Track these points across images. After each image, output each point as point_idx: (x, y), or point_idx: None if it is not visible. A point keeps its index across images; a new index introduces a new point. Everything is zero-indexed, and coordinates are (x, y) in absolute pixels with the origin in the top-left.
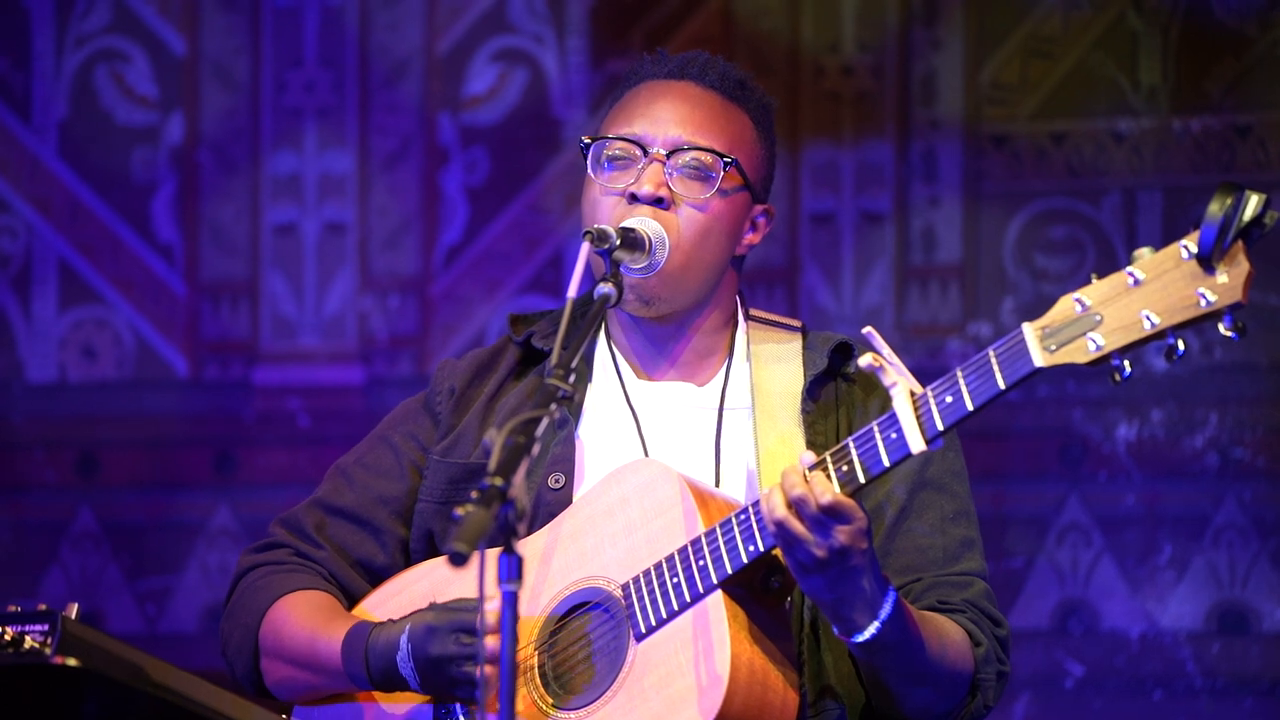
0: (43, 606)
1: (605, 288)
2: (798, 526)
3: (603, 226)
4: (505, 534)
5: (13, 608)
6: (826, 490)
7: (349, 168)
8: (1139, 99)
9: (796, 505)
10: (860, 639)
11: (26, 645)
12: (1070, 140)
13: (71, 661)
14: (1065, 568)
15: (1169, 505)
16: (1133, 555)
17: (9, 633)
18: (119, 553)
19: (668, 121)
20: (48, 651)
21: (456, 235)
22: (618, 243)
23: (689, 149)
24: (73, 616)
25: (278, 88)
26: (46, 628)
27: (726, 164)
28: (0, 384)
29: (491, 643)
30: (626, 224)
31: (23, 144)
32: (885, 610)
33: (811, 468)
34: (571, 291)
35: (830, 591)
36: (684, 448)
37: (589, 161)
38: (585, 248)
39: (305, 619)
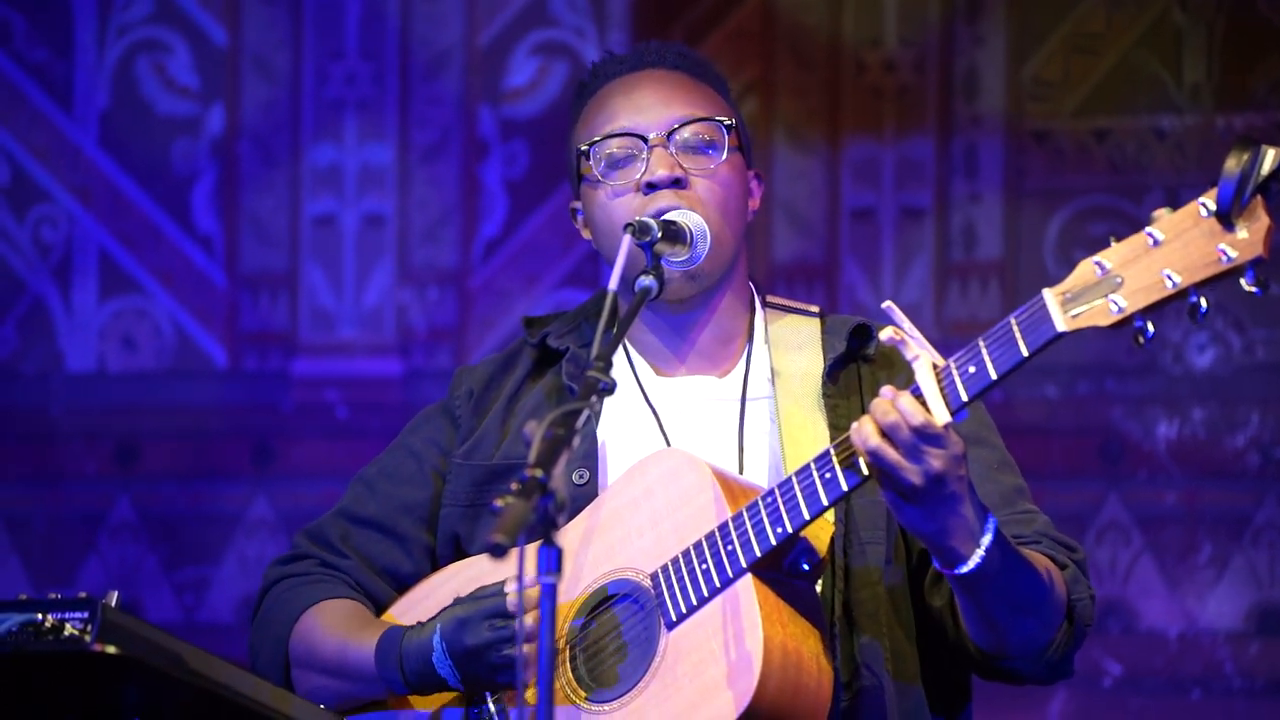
0: (83, 594)
1: (646, 280)
2: (892, 454)
3: (644, 219)
4: (545, 526)
5: (53, 595)
6: (917, 412)
7: (389, 160)
8: (1182, 96)
9: (889, 432)
10: (964, 570)
11: (66, 632)
12: (1113, 137)
13: (111, 649)
14: (1104, 566)
15: (1209, 505)
16: (1172, 554)
17: (49, 620)
18: (157, 543)
19: (653, 106)
20: (87, 639)
21: (496, 228)
22: (659, 235)
23: (686, 123)
24: (113, 604)
25: (318, 79)
26: (86, 615)
27: (727, 127)
28: (40, 374)
29: (528, 621)
30: (668, 216)
31: (64, 134)
32: (988, 538)
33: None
34: (613, 284)
35: (930, 522)
36: (706, 440)
37: (592, 169)
38: (627, 240)
39: (335, 627)
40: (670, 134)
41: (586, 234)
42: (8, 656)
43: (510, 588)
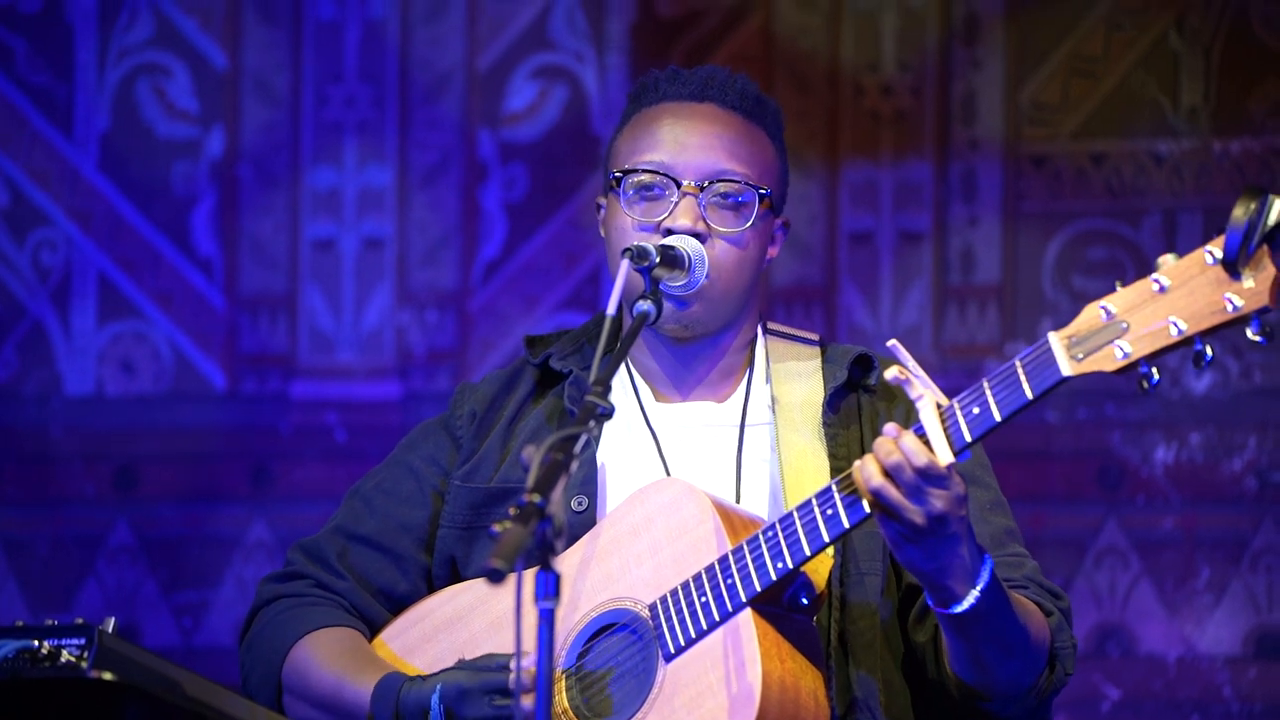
0: (80, 620)
1: (644, 305)
2: (895, 494)
3: (643, 244)
4: (543, 551)
5: (50, 621)
6: (920, 452)
7: (388, 182)
8: (1180, 120)
9: (893, 472)
10: (959, 609)
11: (63, 659)
12: (1110, 161)
13: (108, 676)
14: (1103, 591)
15: (1207, 529)
16: (1170, 579)
17: (46, 646)
18: (156, 566)
19: (696, 149)
20: (84, 665)
21: (495, 251)
22: (657, 260)
23: (721, 180)
24: (110, 630)
25: (318, 102)
26: (83, 642)
27: (761, 195)
28: (39, 397)
29: (526, 703)
30: (666, 241)
31: (64, 157)
32: (984, 579)
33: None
34: (610, 309)
35: (929, 561)
36: (705, 466)
37: (618, 191)
38: (625, 265)
39: (332, 661)
40: (704, 186)
41: (604, 231)
42: (4, 684)
43: (515, 664)
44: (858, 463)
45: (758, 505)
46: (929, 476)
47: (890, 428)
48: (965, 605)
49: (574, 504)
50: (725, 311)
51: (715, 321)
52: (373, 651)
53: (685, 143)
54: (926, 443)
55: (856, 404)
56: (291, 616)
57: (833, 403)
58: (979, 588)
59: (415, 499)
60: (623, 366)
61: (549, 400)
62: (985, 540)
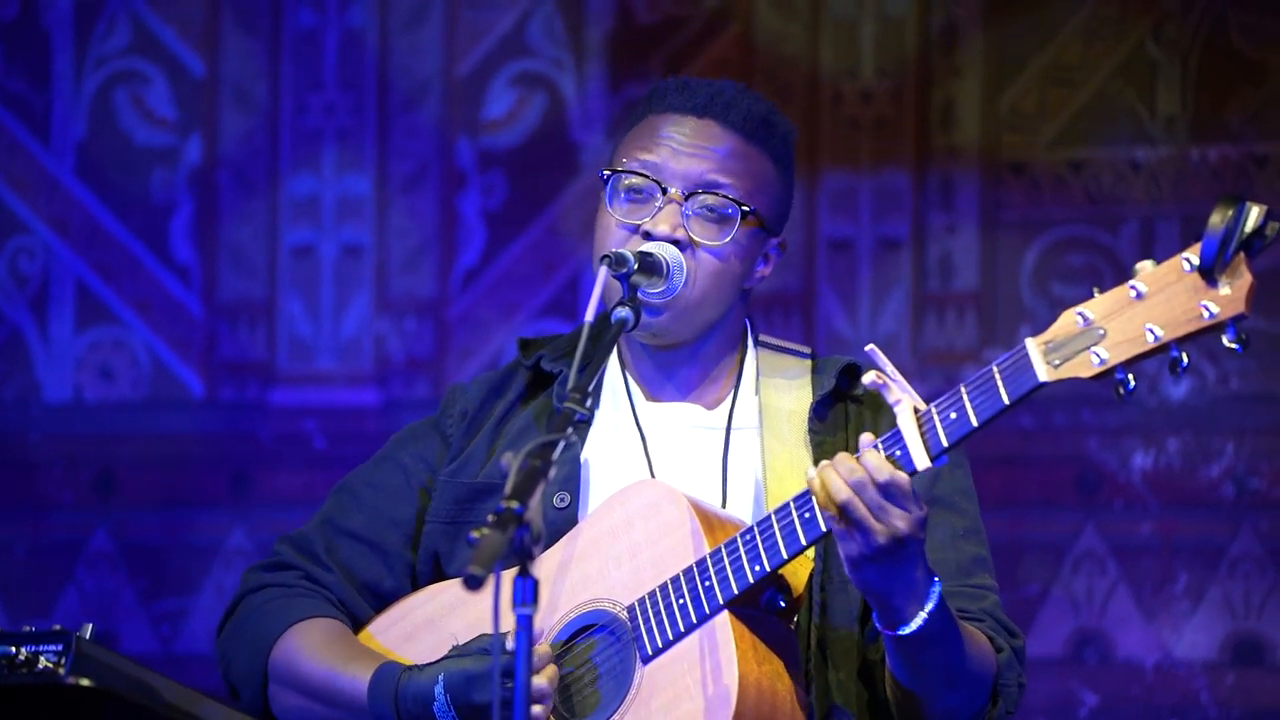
0: (57, 627)
1: (622, 312)
2: (861, 509)
3: (621, 251)
4: (521, 557)
5: (27, 628)
6: (884, 468)
7: (367, 190)
8: (1157, 128)
9: (856, 489)
10: (905, 631)
11: (41, 665)
12: (1089, 169)
13: (85, 682)
14: (1080, 596)
15: (1185, 535)
16: (1148, 585)
17: (23, 653)
18: (135, 573)
19: (688, 159)
20: (62, 672)
21: (474, 258)
22: (635, 267)
23: (706, 192)
24: (87, 636)
25: (297, 110)
26: (61, 648)
27: (745, 212)
28: (17, 404)
29: (539, 682)
30: (644, 248)
31: (41, 164)
32: (932, 602)
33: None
34: (588, 315)
35: (882, 581)
36: (690, 467)
37: (606, 190)
38: (603, 272)
39: (323, 651)
40: (689, 195)
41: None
42: None
43: (512, 645)
44: (819, 481)
45: (743, 509)
46: (890, 492)
47: (867, 437)
48: (913, 627)
49: (556, 500)
50: (698, 322)
51: (687, 331)
52: (358, 640)
53: (678, 152)
54: (904, 449)
55: (844, 413)
56: (279, 606)
57: (819, 411)
58: (927, 610)
59: (403, 495)
60: (616, 365)
61: (539, 400)
62: (952, 568)
